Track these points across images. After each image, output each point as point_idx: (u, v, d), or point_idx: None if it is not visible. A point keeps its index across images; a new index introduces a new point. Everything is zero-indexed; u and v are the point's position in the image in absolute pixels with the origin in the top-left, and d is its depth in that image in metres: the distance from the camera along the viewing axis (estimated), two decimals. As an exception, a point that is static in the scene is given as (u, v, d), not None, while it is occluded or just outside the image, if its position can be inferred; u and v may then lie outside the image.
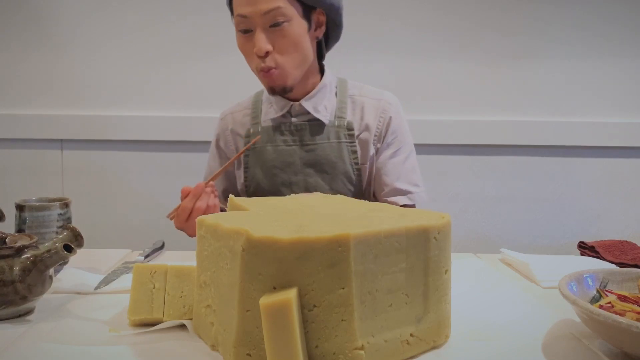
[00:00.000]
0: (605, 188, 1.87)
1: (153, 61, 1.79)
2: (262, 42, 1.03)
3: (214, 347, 0.61)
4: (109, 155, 1.82)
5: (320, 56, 1.18)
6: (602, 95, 1.84)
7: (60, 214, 0.98)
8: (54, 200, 1.00)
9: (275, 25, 1.02)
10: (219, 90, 1.79)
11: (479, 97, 1.83)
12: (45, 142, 1.81)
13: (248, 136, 1.19)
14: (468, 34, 1.80)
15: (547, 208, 1.87)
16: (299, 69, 1.09)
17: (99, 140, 1.81)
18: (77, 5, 1.77)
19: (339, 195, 0.86)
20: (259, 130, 1.17)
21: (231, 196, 0.77)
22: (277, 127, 1.16)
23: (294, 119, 1.15)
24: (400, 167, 1.17)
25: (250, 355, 0.55)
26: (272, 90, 1.11)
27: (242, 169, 1.20)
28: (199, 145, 1.78)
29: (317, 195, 0.86)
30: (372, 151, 1.17)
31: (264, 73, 1.08)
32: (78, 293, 0.81)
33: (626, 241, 1.14)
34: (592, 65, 1.83)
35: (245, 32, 1.05)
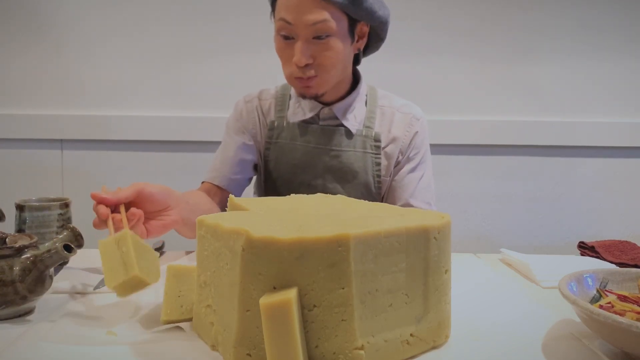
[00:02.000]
0: (605, 188, 1.87)
1: (153, 61, 1.79)
2: (304, 54, 1.01)
3: (214, 347, 0.61)
4: (109, 155, 1.82)
5: (355, 61, 1.16)
6: (602, 95, 1.84)
7: (60, 214, 0.98)
8: (54, 200, 1.00)
9: (318, 38, 1.01)
10: (219, 90, 1.79)
11: (479, 97, 1.83)
12: (45, 142, 1.81)
13: (272, 129, 1.17)
14: (468, 34, 1.80)
15: (547, 208, 1.87)
16: (335, 80, 1.09)
17: (99, 140, 1.81)
18: (78, 4, 1.77)
19: (339, 195, 0.86)
20: (284, 125, 1.16)
21: (231, 196, 0.77)
22: (304, 127, 1.15)
23: (321, 122, 1.15)
24: (416, 184, 1.17)
25: (250, 355, 0.55)
26: (303, 96, 1.11)
27: (262, 160, 1.20)
28: (199, 145, 1.78)
29: (317, 195, 0.86)
30: (394, 164, 1.17)
31: (299, 80, 1.06)
32: (78, 293, 0.80)
33: (626, 241, 1.14)
34: (593, 65, 1.83)
35: (286, 38, 1.03)
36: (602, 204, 1.88)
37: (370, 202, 0.77)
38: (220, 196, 1.17)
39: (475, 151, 1.84)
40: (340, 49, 1.03)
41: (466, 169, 1.85)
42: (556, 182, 1.87)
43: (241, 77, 1.78)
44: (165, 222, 0.89)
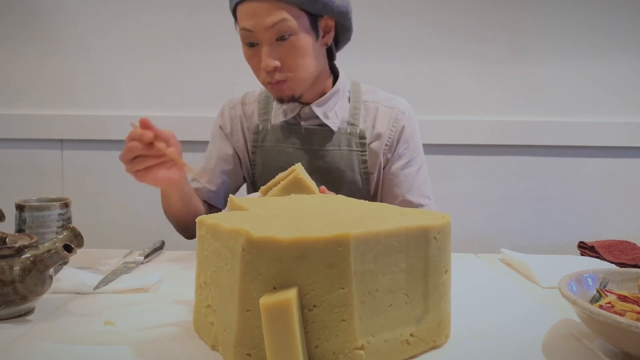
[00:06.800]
0: (605, 188, 1.87)
1: (153, 61, 1.79)
2: (269, 58, 1.01)
3: (214, 347, 0.61)
4: (109, 155, 1.82)
5: (330, 57, 1.15)
6: (602, 95, 1.84)
7: (60, 214, 0.98)
8: (54, 200, 1.00)
9: (282, 39, 1.00)
10: (219, 90, 1.79)
11: (479, 97, 1.83)
12: (45, 142, 1.81)
13: (257, 132, 1.17)
14: (468, 33, 1.80)
15: (547, 208, 1.87)
16: (308, 79, 1.07)
17: (99, 140, 1.81)
18: (78, 4, 1.77)
19: (339, 195, 0.86)
20: (269, 128, 1.16)
21: (231, 196, 0.77)
22: (288, 128, 1.15)
23: (303, 123, 1.14)
24: (412, 179, 1.16)
25: (250, 355, 0.55)
26: (281, 100, 1.10)
27: (248, 164, 1.20)
28: (198, 145, 1.77)
29: (317, 195, 0.86)
30: (381, 160, 1.16)
31: (272, 85, 1.06)
32: (78, 293, 0.81)
33: (626, 241, 1.14)
34: (593, 65, 1.83)
35: (252, 45, 1.03)
36: (602, 204, 1.88)
37: (370, 202, 0.77)
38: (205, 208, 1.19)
39: (476, 151, 1.84)
40: (306, 46, 1.03)
41: (466, 169, 1.85)
42: (556, 182, 1.87)
43: (242, 76, 1.76)
44: (170, 176, 0.95)
